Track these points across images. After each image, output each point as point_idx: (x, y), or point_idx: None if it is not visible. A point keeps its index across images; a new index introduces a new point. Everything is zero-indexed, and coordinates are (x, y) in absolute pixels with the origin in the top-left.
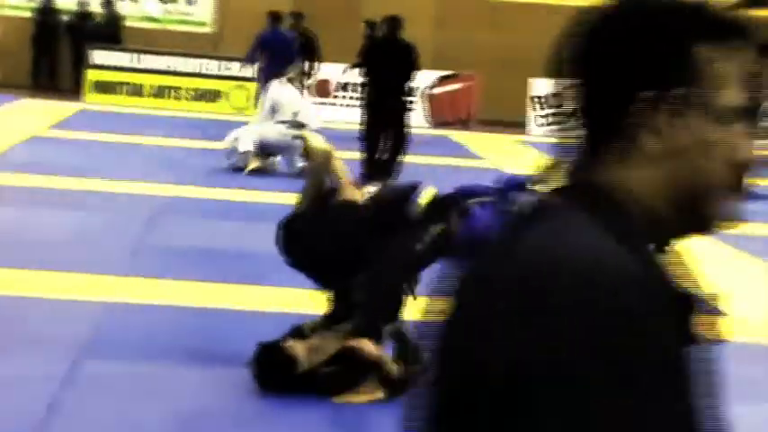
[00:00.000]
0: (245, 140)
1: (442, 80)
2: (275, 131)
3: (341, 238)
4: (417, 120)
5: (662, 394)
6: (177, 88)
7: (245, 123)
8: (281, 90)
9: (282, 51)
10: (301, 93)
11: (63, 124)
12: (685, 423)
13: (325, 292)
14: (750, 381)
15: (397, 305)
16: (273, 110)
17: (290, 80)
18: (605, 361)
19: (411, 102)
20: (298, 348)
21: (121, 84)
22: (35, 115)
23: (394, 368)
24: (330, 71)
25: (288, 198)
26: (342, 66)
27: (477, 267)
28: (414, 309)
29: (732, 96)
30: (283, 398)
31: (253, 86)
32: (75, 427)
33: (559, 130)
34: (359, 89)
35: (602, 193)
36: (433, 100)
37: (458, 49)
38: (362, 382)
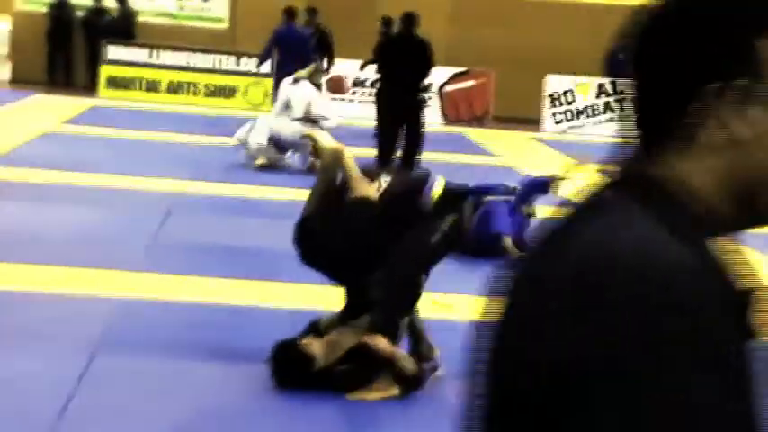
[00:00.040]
0: (258, 135)
1: (457, 77)
2: (290, 128)
3: (355, 237)
4: (431, 117)
5: (716, 390)
6: (193, 84)
7: (262, 115)
8: (292, 88)
9: (298, 48)
10: (319, 89)
11: (78, 120)
12: (743, 421)
13: (341, 288)
14: None
15: (414, 300)
16: (286, 107)
17: (296, 80)
18: (657, 356)
19: (426, 99)
20: (315, 346)
21: (137, 79)
22: (50, 111)
23: (408, 364)
24: (345, 67)
25: (302, 195)
26: (357, 62)
27: (529, 265)
28: (428, 305)
29: None
30: (298, 394)
31: (269, 82)
32: (91, 423)
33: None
34: (375, 86)
35: (658, 187)
36: (447, 97)
37: (472, 46)
38: (376, 379)
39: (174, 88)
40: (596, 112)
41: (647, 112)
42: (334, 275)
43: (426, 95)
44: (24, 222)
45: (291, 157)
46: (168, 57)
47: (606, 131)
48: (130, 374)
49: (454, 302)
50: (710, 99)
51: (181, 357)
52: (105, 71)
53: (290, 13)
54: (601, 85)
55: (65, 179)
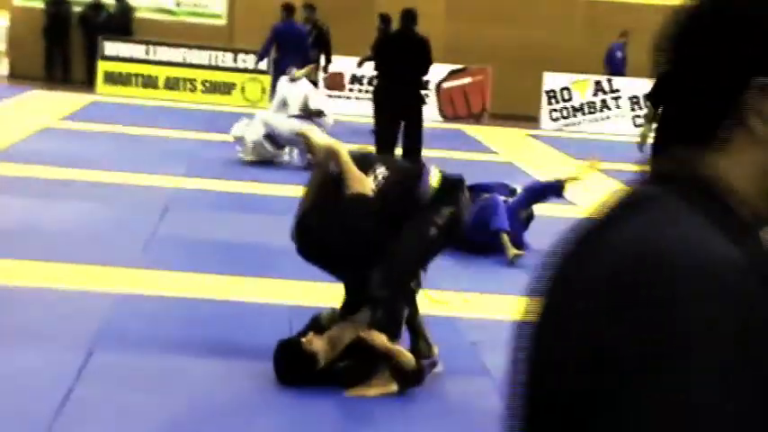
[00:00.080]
0: (253, 131)
1: (454, 74)
2: (286, 125)
3: (352, 232)
4: (429, 113)
5: (760, 389)
6: (191, 80)
7: (260, 111)
8: (289, 86)
9: (296, 44)
10: (316, 86)
11: (75, 116)
12: None
13: (341, 283)
14: None
15: (412, 294)
16: (283, 104)
17: (293, 80)
18: (702, 356)
19: (425, 95)
20: (317, 344)
21: (134, 75)
22: (47, 107)
23: (407, 359)
24: (343, 64)
25: (300, 191)
26: (355, 59)
27: (565, 265)
28: (423, 301)
29: None
30: (297, 390)
31: (267, 79)
32: (89, 419)
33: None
34: (373, 82)
35: (701, 184)
36: (444, 94)
37: (470, 43)
38: (374, 375)
39: (172, 84)
40: (593, 110)
41: (687, 110)
42: (333, 270)
43: (425, 92)
44: (22, 218)
45: (290, 154)
46: (166, 53)
47: (603, 129)
48: (128, 370)
49: (451, 299)
50: (749, 97)
51: (178, 353)
52: (103, 67)
53: (288, 9)
54: (598, 83)
55: (62, 175)
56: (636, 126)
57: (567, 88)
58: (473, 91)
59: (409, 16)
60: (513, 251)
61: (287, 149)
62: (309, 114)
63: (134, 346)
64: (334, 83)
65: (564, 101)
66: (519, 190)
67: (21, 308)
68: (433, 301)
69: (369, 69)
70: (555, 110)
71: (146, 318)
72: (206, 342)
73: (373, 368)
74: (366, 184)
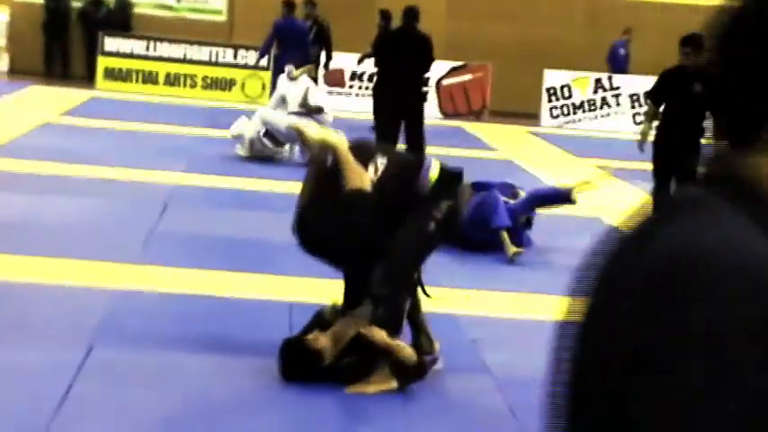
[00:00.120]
0: (250, 128)
1: (454, 71)
2: (285, 121)
3: (351, 228)
4: (429, 110)
5: None
6: (191, 76)
7: (259, 108)
8: (289, 84)
9: (297, 40)
10: (315, 83)
11: (75, 111)
12: None
13: (341, 278)
14: None
15: (415, 287)
16: (282, 101)
17: (292, 79)
18: (742, 356)
19: (426, 93)
20: (322, 341)
21: (134, 71)
22: (47, 102)
23: (407, 354)
24: (343, 61)
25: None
26: (355, 55)
27: (611, 265)
28: (431, 299)
29: None
30: (298, 387)
31: (267, 75)
32: (90, 414)
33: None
34: (373, 79)
35: (745, 186)
36: (444, 91)
37: (470, 40)
38: (374, 371)
39: (172, 80)
40: (594, 107)
41: (730, 111)
42: (334, 263)
43: (426, 89)
44: (21, 214)
45: (291, 151)
46: (166, 49)
47: (603, 126)
48: (128, 366)
49: (451, 296)
50: None
51: (178, 349)
52: (103, 63)
53: (289, 5)
54: (598, 80)
55: (62, 171)
56: (636, 123)
57: (567, 85)
58: (473, 88)
59: (411, 14)
60: (512, 249)
61: (287, 146)
62: (309, 111)
63: (134, 342)
64: (335, 79)
65: (564, 98)
66: (523, 193)
67: (21, 303)
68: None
69: (369, 66)
70: (555, 107)
71: (145, 314)
72: (206, 338)
73: (373, 364)
74: (364, 177)
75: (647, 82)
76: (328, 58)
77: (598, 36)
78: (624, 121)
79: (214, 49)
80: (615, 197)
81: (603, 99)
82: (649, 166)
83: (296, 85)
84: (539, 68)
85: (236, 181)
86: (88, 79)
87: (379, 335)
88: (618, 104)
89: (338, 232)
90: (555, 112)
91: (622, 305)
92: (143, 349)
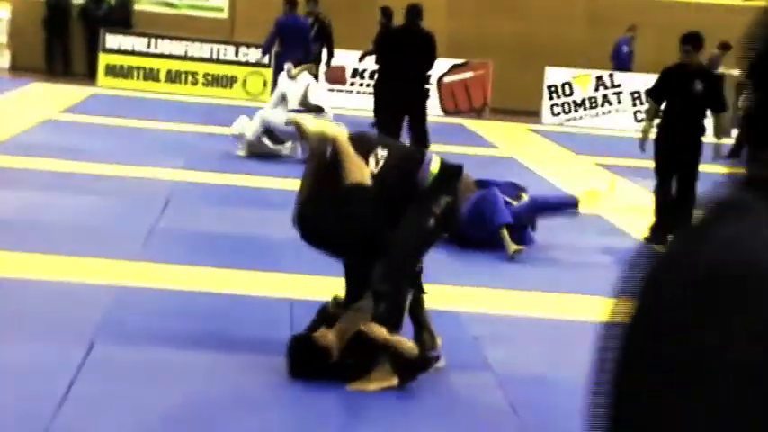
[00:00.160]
0: (249, 127)
1: (455, 68)
2: (283, 118)
3: (350, 221)
4: (430, 108)
5: None
6: (192, 73)
7: (260, 109)
8: (289, 82)
9: (298, 37)
10: (316, 80)
11: (76, 108)
12: None
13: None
14: None
15: (411, 285)
16: (282, 99)
17: (291, 78)
18: None
19: (428, 90)
20: (329, 337)
21: (136, 68)
22: (49, 99)
23: (409, 348)
24: (345, 58)
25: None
26: (356, 53)
27: (658, 267)
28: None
29: None
30: (299, 384)
31: (268, 72)
32: (91, 411)
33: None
34: (374, 77)
35: None
36: (445, 88)
37: (471, 37)
38: (375, 368)
39: (173, 78)
40: (595, 105)
41: None
42: (335, 255)
43: (428, 87)
44: (23, 210)
45: (294, 148)
46: (167, 46)
47: (604, 124)
48: (129, 363)
49: (450, 293)
50: None
51: (179, 346)
52: (104, 60)
53: (291, 2)
54: (599, 78)
55: (63, 168)
56: (637, 121)
57: (568, 83)
58: (474, 85)
59: (414, 11)
60: (513, 246)
61: (289, 143)
62: (309, 110)
63: (135, 339)
64: (336, 77)
65: (565, 96)
66: (525, 197)
67: (21, 300)
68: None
69: (370, 63)
70: (556, 105)
71: (146, 311)
72: (207, 335)
73: (374, 361)
74: (364, 169)
75: (648, 80)
76: (330, 55)
77: (599, 33)
78: (625, 119)
79: (215, 47)
80: (616, 194)
81: (605, 97)
82: (651, 163)
83: (296, 84)
84: (540, 66)
85: (237, 178)
86: (89, 76)
87: (379, 331)
88: (619, 102)
89: (338, 225)
90: (556, 110)
91: (668, 309)
92: (144, 346)
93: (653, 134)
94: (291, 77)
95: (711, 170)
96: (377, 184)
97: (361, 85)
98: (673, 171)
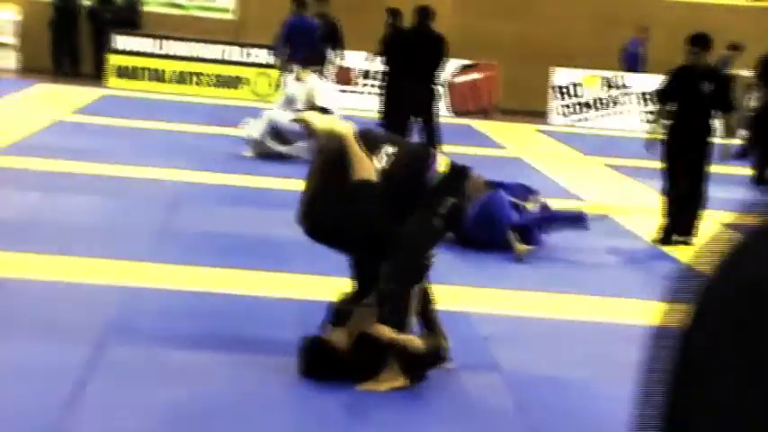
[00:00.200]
0: (255, 129)
1: (464, 69)
2: (289, 118)
3: (357, 218)
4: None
5: None
6: (200, 74)
7: (268, 110)
8: (295, 84)
9: (307, 38)
10: (325, 80)
11: (85, 109)
12: None
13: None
14: None
15: (417, 282)
16: (290, 101)
17: (298, 79)
18: None
19: (438, 92)
20: (340, 338)
21: (144, 69)
22: (58, 100)
23: (416, 345)
24: (353, 59)
25: None
26: (364, 53)
27: (716, 278)
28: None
29: None
30: (308, 384)
31: (276, 73)
32: (100, 412)
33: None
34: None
35: None
36: (454, 89)
37: (479, 38)
38: (383, 368)
39: (181, 78)
40: (603, 106)
41: None
42: (341, 251)
43: (438, 89)
44: (33, 212)
45: (304, 149)
46: (175, 47)
47: (613, 125)
48: (138, 363)
49: (459, 293)
50: None
51: (189, 347)
52: (113, 61)
53: (300, 3)
54: (608, 79)
55: (72, 168)
56: (645, 122)
57: (576, 84)
58: (482, 86)
59: (425, 12)
60: (521, 247)
61: (297, 144)
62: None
63: (145, 340)
64: (344, 78)
65: (573, 96)
66: (532, 205)
67: (32, 301)
68: None
69: (379, 64)
70: (564, 105)
71: (155, 311)
72: (216, 336)
73: (382, 361)
74: (372, 167)
75: (656, 80)
76: (339, 56)
77: (607, 34)
78: (633, 120)
79: (223, 48)
80: (624, 195)
81: (613, 97)
82: (659, 164)
83: (303, 85)
84: (547, 66)
85: (245, 179)
86: (97, 77)
87: (385, 331)
88: (627, 103)
89: (345, 221)
90: (564, 111)
91: (720, 316)
92: (153, 347)
93: (661, 135)
94: (298, 79)
95: (720, 170)
96: (384, 181)
97: (370, 86)
98: (681, 172)
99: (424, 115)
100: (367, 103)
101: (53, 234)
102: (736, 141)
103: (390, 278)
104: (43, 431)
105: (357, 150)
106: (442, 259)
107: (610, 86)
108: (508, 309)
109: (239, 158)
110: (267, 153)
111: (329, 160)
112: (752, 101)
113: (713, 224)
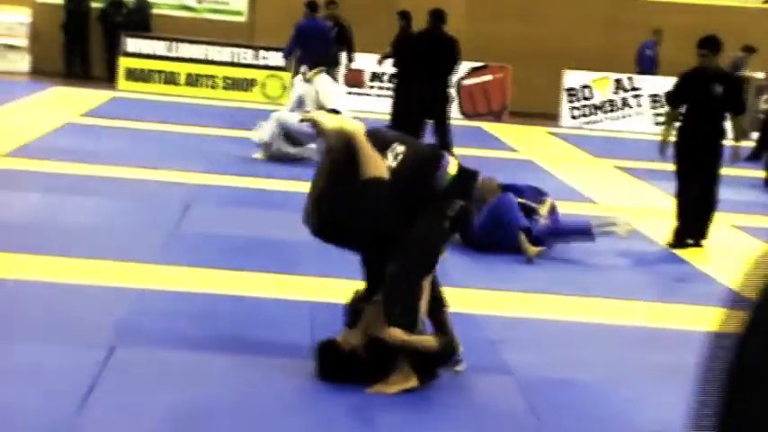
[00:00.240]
0: (264, 131)
1: (474, 72)
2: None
3: (366, 217)
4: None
5: None
6: (211, 77)
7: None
8: (304, 85)
9: (319, 41)
10: (336, 83)
11: (96, 112)
12: None
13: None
14: None
15: (435, 287)
16: (300, 103)
17: (307, 81)
18: None
19: (451, 94)
20: (353, 340)
21: (155, 72)
22: (68, 102)
23: (428, 343)
24: (364, 61)
25: None
26: (376, 56)
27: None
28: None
29: None
30: (319, 386)
31: (287, 76)
32: (111, 414)
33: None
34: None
35: None
36: (464, 92)
37: (490, 40)
38: (394, 370)
39: (193, 81)
40: (614, 108)
41: None
42: (349, 249)
43: (450, 91)
44: (43, 213)
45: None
46: (187, 50)
47: (624, 127)
48: (148, 365)
49: (468, 296)
50: None
51: (199, 349)
52: (124, 63)
53: (312, 6)
54: (618, 81)
55: (83, 171)
56: (656, 124)
57: (587, 86)
58: (494, 88)
59: (438, 15)
60: (533, 249)
61: (308, 145)
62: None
63: (154, 342)
64: (354, 80)
65: (584, 99)
66: (548, 205)
67: (43, 303)
68: None
69: (389, 67)
70: (575, 107)
71: (166, 314)
72: (227, 338)
73: (393, 362)
74: (382, 165)
75: (667, 82)
76: (350, 59)
77: (618, 36)
78: (645, 122)
79: (235, 50)
80: (635, 197)
81: (624, 100)
82: (671, 166)
83: (311, 86)
84: (558, 69)
85: (256, 181)
86: (108, 80)
87: (396, 333)
88: (638, 105)
89: (354, 219)
90: (575, 113)
91: None
92: (163, 349)
93: (673, 138)
94: (307, 80)
95: (731, 173)
96: (394, 179)
97: (381, 88)
98: (692, 174)
99: (436, 117)
100: (377, 106)
101: (64, 236)
102: (748, 143)
103: (398, 279)
104: None
105: (367, 148)
106: (453, 262)
107: (621, 89)
108: (519, 311)
109: (249, 161)
110: (279, 155)
111: (337, 160)
112: (763, 103)
113: (724, 226)
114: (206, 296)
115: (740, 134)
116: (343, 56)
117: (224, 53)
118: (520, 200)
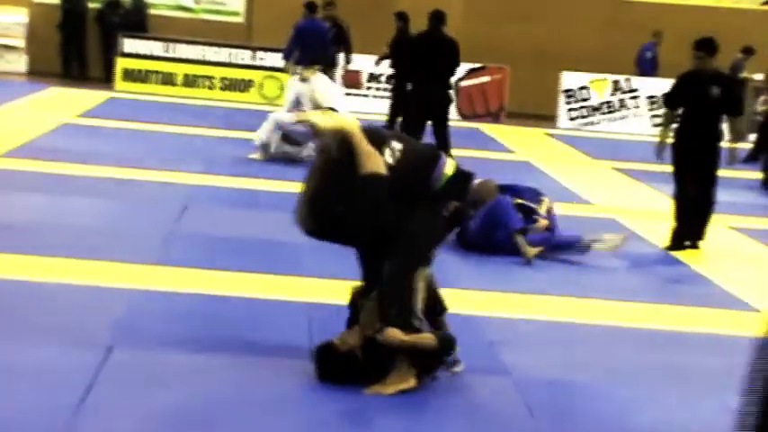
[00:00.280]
0: (262, 132)
1: (472, 73)
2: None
3: (367, 213)
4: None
5: None
6: (209, 77)
7: (272, 112)
8: (301, 85)
9: (317, 41)
10: (333, 83)
11: (93, 112)
12: None
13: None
14: None
15: (432, 286)
16: (297, 102)
17: (303, 80)
18: None
19: (451, 95)
20: (351, 340)
21: (153, 72)
22: (67, 103)
23: (427, 343)
24: (361, 62)
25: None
26: (373, 57)
27: None
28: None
29: None
30: (315, 386)
31: (285, 77)
32: (109, 414)
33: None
34: (390, 81)
35: None
36: (462, 92)
37: (488, 41)
38: (391, 370)
39: (190, 82)
40: (612, 109)
41: None
42: (346, 245)
43: (451, 92)
44: (40, 214)
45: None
46: (184, 50)
47: (621, 128)
48: (146, 366)
49: (466, 297)
50: None
51: (197, 350)
52: (121, 64)
53: (311, 7)
54: (616, 82)
55: (81, 171)
56: (654, 126)
57: (585, 87)
58: (491, 90)
59: (438, 17)
60: (531, 250)
61: (306, 145)
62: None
63: (152, 343)
64: (352, 81)
65: (582, 100)
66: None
67: (41, 303)
68: None
69: (386, 68)
70: (573, 109)
71: (164, 314)
72: (224, 339)
73: (390, 362)
74: (379, 161)
75: (665, 84)
76: (347, 60)
77: (616, 38)
78: (642, 123)
79: (232, 51)
80: (632, 199)
81: (621, 101)
82: (668, 168)
83: (308, 85)
84: (556, 70)
85: (254, 182)
86: (105, 80)
87: (394, 334)
88: (636, 107)
89: (352, 216)
90: (572, 114)
91: None
92: (161, 350)
93: (670, 140)
94: (303, 80)
95: (728, 174)
96: (391, 176)
97: (378, 89)
98: (690, 176)
99: (436, 119)
100: (375, 107)
101: (60, 237)
102: (745, 145)
103: (394, 280)
104: None
105: (365, 144)
106: (451, 263)
107: (618, 90)
108: (517, 312)
109: (247, 161)
110: (277, 155)
111: (330, 159)
112: (761, 105)
113: (722, 228)
114: (204, 297)
115: (737, 136)
116: (341, 57)
117: (221, 54)
118: (518, 201)
